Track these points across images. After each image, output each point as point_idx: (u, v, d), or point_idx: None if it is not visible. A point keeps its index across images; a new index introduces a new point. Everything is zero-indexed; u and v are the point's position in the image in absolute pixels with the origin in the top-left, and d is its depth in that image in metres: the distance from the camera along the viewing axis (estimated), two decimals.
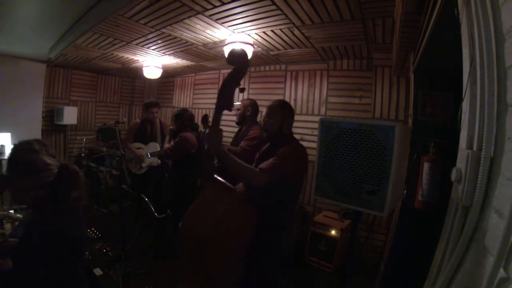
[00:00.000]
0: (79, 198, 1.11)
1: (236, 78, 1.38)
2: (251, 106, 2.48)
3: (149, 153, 3.40)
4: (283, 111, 1.66)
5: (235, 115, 2.58)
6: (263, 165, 1.49)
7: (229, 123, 4.12)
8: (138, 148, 3.44)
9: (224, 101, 1.37)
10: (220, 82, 4.44)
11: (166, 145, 2.88)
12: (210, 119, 2.04)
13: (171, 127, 3.05)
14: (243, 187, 1.55)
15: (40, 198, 1.03)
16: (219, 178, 1.45)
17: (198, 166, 3.12)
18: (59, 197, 1.05)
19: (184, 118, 2.90)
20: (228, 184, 1.42)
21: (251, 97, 4.00)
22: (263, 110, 1.81)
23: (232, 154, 1.49)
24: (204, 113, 4.58)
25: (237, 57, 1.35)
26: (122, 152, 2.78)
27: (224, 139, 1.51)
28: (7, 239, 1.31)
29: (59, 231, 1.02)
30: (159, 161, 3.43)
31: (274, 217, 1.58)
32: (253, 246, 1.40)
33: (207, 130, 2.05)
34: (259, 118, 2.31)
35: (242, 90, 1.45)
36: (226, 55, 1.35)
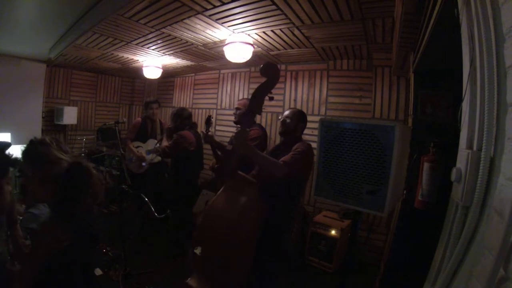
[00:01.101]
0: (94, 195, 1.10)
1: (268, 88, 1.59)
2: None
3: (148, 151, 3.40)
4: (300, 116, 1.94)
5: (234, 114, 2.60)
6: (284, 158, 1.68)
7: (230, 123, 4.12)
8: (137, 147, 3.44)
9: (255, 106, 1.58)
10: (220, 82, 4.45)
11: (164, 144, 2.88)
12: (213, 120, 2.09)
13: (168, 126, 3.05)
14: (256, 178, 1.73)
15: (53, 194, 1.03)
16: (242, 173, 1.65)
17: (197, 164, 3.12)
18: (72, 194, 1.04)
19: (182, 116, 2.90)
20: (250, 178, 1.63)
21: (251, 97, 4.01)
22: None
23: (259, 152, 1.69)
24: (205, 113, 4.63)
25: (271, 70, 1.56)
26: (122, 152, 2.78)
27: (222, 139, 1.55)
28: (19, 240, 1.31)
29: (76, 230, 1.03)
30: (159, 158, 3.43)
31: (283, 213, 1.77)
32: (263, 239, 1.56)
33: (209, 131, 2.10)
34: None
35: (271, 99, 1.64)
36: (261, 66, 1.58)
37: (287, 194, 1.77)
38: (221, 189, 1.61)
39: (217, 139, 2.48)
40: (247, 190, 1.56)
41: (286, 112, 1.97)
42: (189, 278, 1.46)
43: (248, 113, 1.65)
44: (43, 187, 1.03)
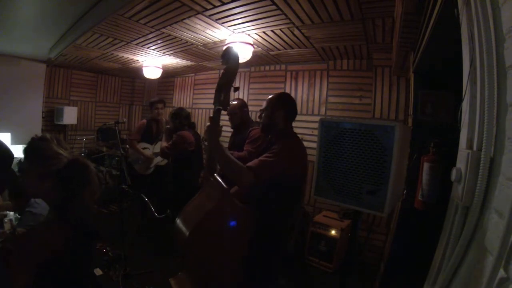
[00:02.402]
0: (92, 192, 1.09)
1: (229, 78, 1.38)
2: (246, 106, 2.44)
3: (155, 153, 3.39)
4: (276, 103, 1.57)
5: (229, 119, 2.46)
6: (251, 162, 1.40)
7: (228, 123, 4.12)
8: (144, 148, 3.44)
9: (220, 102, 1.39)
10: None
11: (163, 144, 2.88)
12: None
13: (167, 126, 3.05)
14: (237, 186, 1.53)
15: (51, 189, 1.03)
16: (216, 176, 1.44)
17: (196, 164, 3.12)
18: (70, 190, 1.03)
19: (181, 116, 2.90)
20: (222, 183, 1.38)
21: (251, 97, 4.01)
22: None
23: (226, 152, 1.43)
24: (205, 113, 4.62)
25: (227, 56, 1.35)
26: (122, 152, 2.78)
27: (222, 139, 1.50)
28: (16, 230, 1.32)
29: (75, 227, 1.02)
30: (166, 160, 3.43)
31: (273, 220, 1.50)
32: (251, 248, 1.38)
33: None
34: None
35: (236, 89, 1.44)
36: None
37: (273, 201, 1.47)
38: (197, 193, 1.49)
39: None
40: (215, 195, 1.38)
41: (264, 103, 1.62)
42: (172, 277, 1.45)
43: (216, 110, 1.41)
44: (42, 182, 1.03)
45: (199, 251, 1.30)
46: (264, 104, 1.61)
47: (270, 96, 1.63)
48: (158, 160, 3.41)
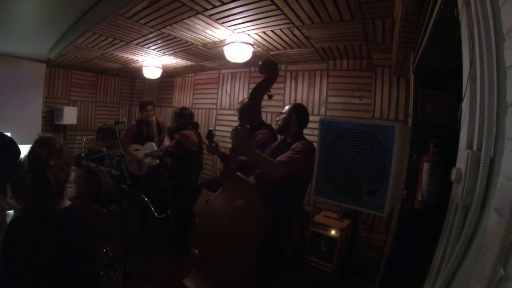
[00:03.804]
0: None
1: (266, 86, 1.56)
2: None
3: (145, 154, 3.39)
4: (293, 109, 1.80)
5: (238, 118, 2.40)
6: (280, 157, 1.59)
7: (230, 123, 4.12)
8: (136, 150, 3.44)
9: (253, 106, 1.60)
10: (220, 82, 4.45)
11: (166, 143, 2.87)
12: (215, 132, 2.05)
13: (169, 125, 3.04)
14: (254, 179, 1.69)
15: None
16: (240, 175, 1.60)
17: (198, 164, 3.12)
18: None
19: (184, 116, 2.90)
20: (249, 180, 1.57)
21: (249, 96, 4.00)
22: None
23: (257, 150, 1.62)
24: (205, 113, 4.63)
25: (269, 67, 1.53)
26: (122, 152, 2.78)
27: (222, 139, 1.54)
28: None
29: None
30: (157, 161, 3.43)
31: (286, 214, 1.69)
32: (264, 242, 1.50)
33: (213, 143, 2.08)
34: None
35: (270, 97, 1.61)
36: (260, 64, 1.55)
37: (289, 195, 1.70)
38: (219, 190, 1.60)
39: (217, 139, 2.45)
40: (244, 192, 1.53)
41: (286, 107, 1.88)
42: (185, 278, 1.46)
43: (245, 112, 1.62)
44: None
45: (229, 242, 1.40)
46: (285, 109, 1.86)
47: (290, 105, 1.88)
48: (148, 160, 3.41)
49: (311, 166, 1.68)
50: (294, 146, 1.67)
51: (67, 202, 1.12)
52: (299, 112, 1.81)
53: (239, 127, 1.58)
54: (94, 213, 1.24)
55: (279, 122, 1.82)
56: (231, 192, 1.56)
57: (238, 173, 1.63)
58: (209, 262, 1.43)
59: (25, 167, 1.01)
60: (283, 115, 1.80)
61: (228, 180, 1.62)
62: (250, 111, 1.61)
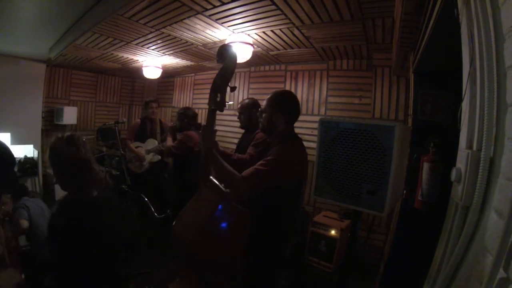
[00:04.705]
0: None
1: (226, 77, 1.34)
2: (255, 107, 2.37)
3: (147, 150, 3.40)
4: (273, 103, 1.50)
5: (238, 118, 2.38)
6: (245, 171, 1.36)
7: (228, 123, 4.12)
8: (137, 147, 3.45)
9: (216, 103, 1.34)
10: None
11: (169, 143, 2.88)
12: (216, 129, 1.96)
13: (172, 124, 3.05)
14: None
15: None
16: (213, 179, 1.40)
17: (199, 164, 3.11)
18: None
19: (188, 116, 2.91)
20: (220, 186, 1.35)
21: (251, 97, 4.00)
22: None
23: (219, 159, 1.41)
24: (205, 113, 4.61)
25: (225, 53, 1.31)
26: (122, 152, 2.78)
27: (222, 139, 1.49)
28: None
29: None
30: (159, 157, 3.44)
31: (269, 224, 1.46)
32: (250, 251, 1.36)
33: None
34: None
35: (233, 89, 1.39)
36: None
37: (271, 201, 1.45)
38: (192, 198, 1.43)
39: (216, 139, 2.43)
40: (214, 198, 1.35)
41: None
42: (171, 284, 1.43)
43: (211, 111, 1.37)
44: None
45: (200, 254, 1.29)
46: (263, 103, 1.55)
47: (269, 95, 1.56)
48: (150, 157, 3.42)
49: (294, 171, 1.46)
50: (269, 153, 1.44)
51: (95, 192, 1.27)
52: (283, 105, 1.49)
53: (205, 124, 1.38)
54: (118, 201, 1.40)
55: (261, 122, 1.55)
56: (204, 197, 1.40)
57: (210, 178, 1.42)
58: (187, 268, 1.39)
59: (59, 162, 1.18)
60: (263, 113, 1.52)
61: (203, 185, 1.43)
62: (214, 107, 1.35)
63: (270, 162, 1.37)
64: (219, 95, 1.33)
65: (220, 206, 1.31)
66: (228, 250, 1.35)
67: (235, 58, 1.33)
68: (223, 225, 1.34)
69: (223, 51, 1.31)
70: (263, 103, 1.59)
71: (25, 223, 1.73)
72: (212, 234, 1.30)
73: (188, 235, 1.27)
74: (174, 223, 1.35)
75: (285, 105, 1.52)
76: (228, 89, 1.36)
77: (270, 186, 1.38)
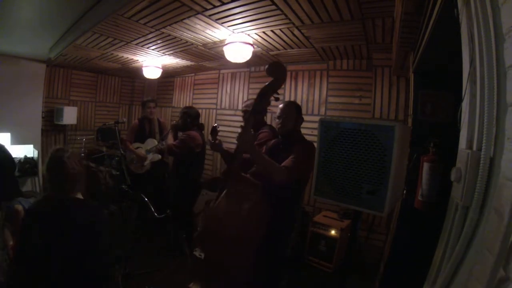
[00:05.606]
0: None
1: (274, 88, 1.54)
2: None
3: (147, 150, 3.40)
4: (296, 109, 1.80)
5: (243, 117, 2.45)
6: (285, 162, 1.58)
7: (229, 123, 4.12)
8: (137, 148, 3.45)
9: (260, 107, 1.56)
10: (220, 82, 4.45)
11: (171, 142, 2.87)
12: (219, 129, 2.04)
13: (174, 122, 3.04)
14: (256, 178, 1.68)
15: None
16: (246, 176, 1.59)
17: (199, 165, 3.11)
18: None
19: (191, 116, 2.91)
20: (254, 180, 1.55)
21: (251, 97, 4.01)
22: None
23: (262, 153, 1.63)
24: (205, 113, 4.62)
25: (277, 69, 1.52)
26: (122, 152, 2.78)
27: (222, 139, 1.54)
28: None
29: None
30: (160, 156, 3.44)
31: (288, 214, 1.72)
32: (266, 242, 1.50)
33: (216, 140, 2.03)
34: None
35: (277, 99, 1.58)
36: (267, 66, 1.54)
37: (290, 196, 1.70)
38: (224, 192, 1.55)
39: (217, 139, 2.44)
40: (251, 194, 1.51)
41: (281, 107, 1.80)
42: (191, 283, 1.45)
43: (251, 113, 1.58)
44: None
45: (237, 247, 1.39)
46: (282, 108, 1.78)
47: (286, 104, 1.82)
48: (151, 156, 3.41)
49: (312, 168, 1.68)
50: (298, 148, 1.66)
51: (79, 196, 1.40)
52: (300, 112, 1.82)
53: (243, 130, 1.57)
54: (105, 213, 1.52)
55: (283, 124, 1.77)
56: (238, 193, 1.53)
57: (244, 174, 1.61)
58: (214, 266, 1.42)
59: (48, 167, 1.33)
60: (287, 117, 1.75)
61: (233, 181, 1.59)
62: (256, 111, 1.57)
63: (303, 155, 1.60)
64: (263, 101, 1.55)
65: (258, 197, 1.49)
66: (252, 242, 1.46)
67: (285, 73, 1.58)
68: (258, 217, 1.49)
69: (276, 66, 1.53)
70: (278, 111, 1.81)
71: (19, 207, 1.90)
72: (251, 225, 1.44)
73: (231, 226, 1.38)
74: (206, 217, 1.48)
75: (301, 112, 1.84)
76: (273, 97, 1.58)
77: (299, 178, 1.61)
